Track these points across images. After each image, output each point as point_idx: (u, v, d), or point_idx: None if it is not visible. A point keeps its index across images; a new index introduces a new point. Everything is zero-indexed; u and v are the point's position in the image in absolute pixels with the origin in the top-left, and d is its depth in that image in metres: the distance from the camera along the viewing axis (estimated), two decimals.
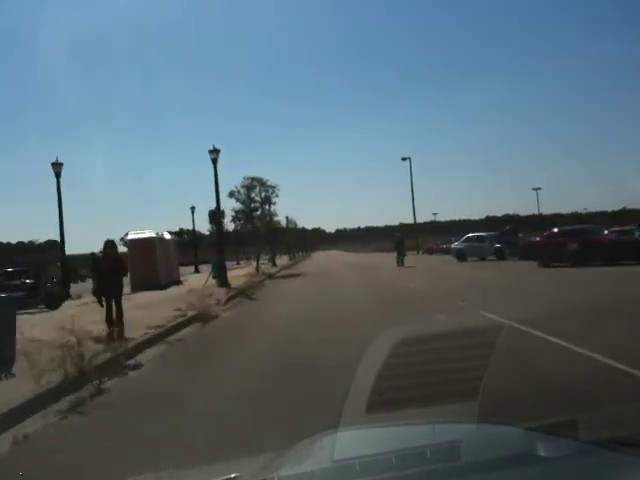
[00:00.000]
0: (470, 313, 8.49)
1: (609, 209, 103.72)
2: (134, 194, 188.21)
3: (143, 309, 11.77)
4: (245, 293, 16.21)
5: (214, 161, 18.96)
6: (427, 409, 2.85)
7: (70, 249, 22.65)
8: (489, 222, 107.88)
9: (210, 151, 18.89)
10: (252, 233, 32.00)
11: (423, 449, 1.48)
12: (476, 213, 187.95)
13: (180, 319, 10.15)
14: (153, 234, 21.20)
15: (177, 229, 69.47)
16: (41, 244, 72.32)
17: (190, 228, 49.35)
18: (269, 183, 32.40)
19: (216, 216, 20.16)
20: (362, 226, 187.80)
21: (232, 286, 17.94)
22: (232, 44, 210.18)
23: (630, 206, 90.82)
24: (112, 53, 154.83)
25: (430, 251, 49.78)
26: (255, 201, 32.13)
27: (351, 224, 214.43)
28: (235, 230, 31.56)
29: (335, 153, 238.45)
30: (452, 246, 31.64)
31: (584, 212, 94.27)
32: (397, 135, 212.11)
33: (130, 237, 20.87)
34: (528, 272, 17.56)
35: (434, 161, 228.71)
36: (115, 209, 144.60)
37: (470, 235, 30.76)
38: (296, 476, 1.41)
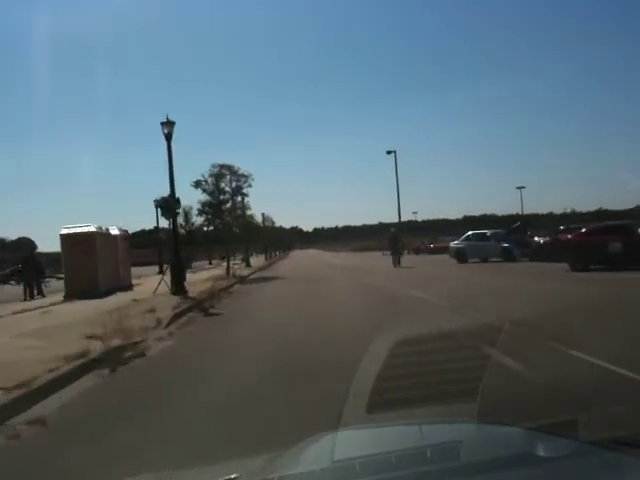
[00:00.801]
0: (559, 356, 5.43)
1: (584, 210, 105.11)
2: (119, 191, 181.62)
3: (38, 338, 8.49)
4: (202, 306, 13.28)
5: (168, 137, 14.68)
6: (427, 409, 2.82)
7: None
8: (467, 222, 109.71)
9: (163, 124, 14.66)
10: (222, 229, 29.09)
11: (423, 449, 1.52)
12: (454, 213, 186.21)
13: (75, 363, 6.52)
14: (93, 228, 16.81)
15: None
16: (13, 241, 70.04)
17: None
18: (241, 172, 28.95)
19: (169, 206, 15.59)
20: (340, 225, 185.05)
21: (189, 294, 15.48)
22: (217, 43, 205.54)
23: (606, 207, 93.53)
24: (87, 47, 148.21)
25: (417, 251, 48.99)
26: (225, 192, 28.51)
27: (329, 223, 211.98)
28: (203, 225, 29.16)
29: (313, 152, 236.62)
30: (451, 245, 28.79)
31: (560, 213, 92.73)
32: (376, 134, 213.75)
33: (64, 232, 16.38)
34: (570, 279, 14.93)
35: (414, 160, 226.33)
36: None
37: (472, 233, 27.63)
38: (296, 476, 1.43)
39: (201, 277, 24.50)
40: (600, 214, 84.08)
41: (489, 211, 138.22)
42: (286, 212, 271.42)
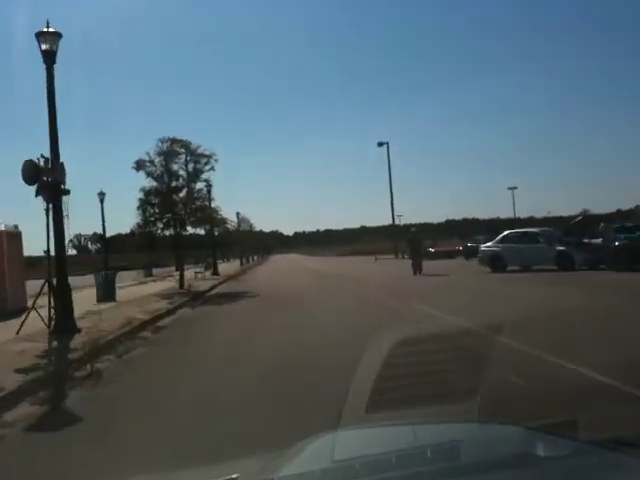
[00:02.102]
0: None
1: (567, 214, 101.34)
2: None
3: None
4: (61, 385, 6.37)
5: (48, 56, 9.49)
6: (427, 409, 2.68)
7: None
8: (449, 226, 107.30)
9: (39, 35, 9.45)
10: (174, 227, 21.12)
11: (423, 449, 1.51)
12: (436, 217, 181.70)
13: None
14: None
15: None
16: None
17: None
18: (200, 151, 21.29)
19: (36, 174, 8.58)
20: (321, 229, 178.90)
21: (76, 338, 8.76)
22: (196, 46, 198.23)
23: (592, 211, 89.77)
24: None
25: None
26: (178, 176, 21.11)
27: (309, 227, 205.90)
28: (146, 221, 20.55)
29: (292, 155, 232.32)
30: (482, 248, 21.93)
31: (543, 216, 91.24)
32: (358, 136, 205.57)
33: None
34: None
35: (397, 163, 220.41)
36: None
37: (511, 232, 21.54)
38: (296, 476, 1.41)
39: (141, 293, 18.75)
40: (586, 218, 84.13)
41: (470, 215, 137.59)
42: (266, 216, 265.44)
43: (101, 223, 29.29)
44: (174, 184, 20.78)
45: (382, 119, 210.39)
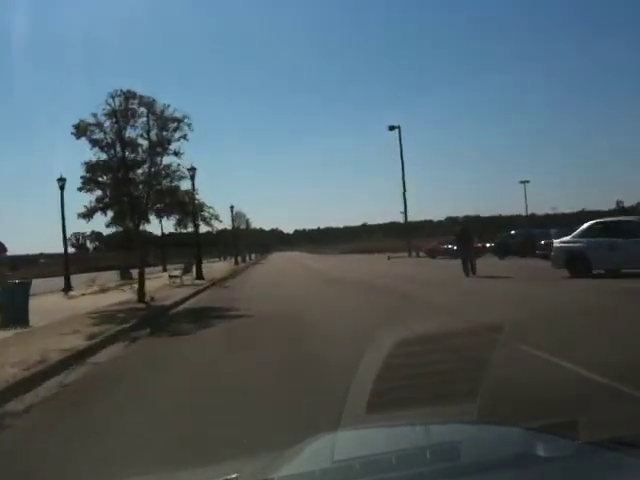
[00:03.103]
0: None
1: (569, 211, 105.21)
2: None
3: None
4: None
5: None
6: (427, 409, 2.55)
7: None
8: (450, 223, 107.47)
9: None
10: (131, 212, 15.17)
11: (423, 449, 1.51)
12: (437, 214, 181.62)
13: None
14: None
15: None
16: None
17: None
18: (167, 113, 15.00)
19: None
20: (322, 227, 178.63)
21: None
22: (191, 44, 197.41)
23: (589, 208, 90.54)
24: None
25: (431, 253, 37.68)
26: (136, 146, 14.97)
27: (310, 225, 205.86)
28: (91, 209, 14.92)
29: (292, 154, 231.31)
30: (557, 245, 16.63)
31: (544, 214, 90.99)
32: (358, 136, 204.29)
33: None
34: None
35: (399, 163, 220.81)
36: None
37: (597, 223, 16.13)
38: (296, 476, 1.41)
39: (80, 308, 14.11)
40: (582, 215, 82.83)
41: (470, 213, 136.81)
42: (266, 214, 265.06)
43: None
44: (132, 157, 14.79)
45: (382, 119, 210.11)
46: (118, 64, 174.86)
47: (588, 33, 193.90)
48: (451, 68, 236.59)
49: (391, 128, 42.10)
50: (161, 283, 21.76)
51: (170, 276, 23.49)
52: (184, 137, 15.01)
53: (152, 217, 15.70)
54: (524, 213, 61.47)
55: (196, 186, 20.21)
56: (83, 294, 19.62)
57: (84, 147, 14.51)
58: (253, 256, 73.94)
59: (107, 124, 14.53)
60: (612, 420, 3.08)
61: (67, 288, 23.55)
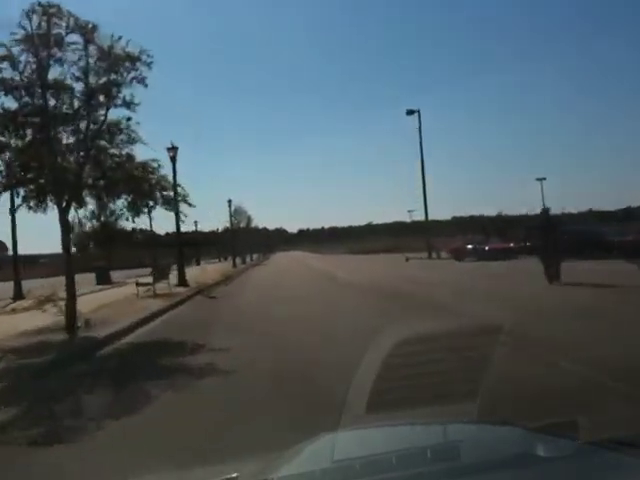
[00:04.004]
0: None
1: (576, 211, 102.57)
2: None
3: None
4: None
5: None
6: (427, 409, 2.48)
7: None
8: (456, 223, 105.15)
9: None
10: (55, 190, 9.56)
11: (423, 449, 1.50)
12: (442, 214, 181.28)
13: None
14: None
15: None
16: None
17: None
18: (119, 48, 9.45)
19: None
20: (326, 226, 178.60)
21: None
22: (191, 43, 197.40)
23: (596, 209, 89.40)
24: None
25: (457, 254, 31.93)
26: (66, 89, 9.41)
27: (314, 224, 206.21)
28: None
29: (297, 154, 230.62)
30: None
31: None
32: (358, 136, 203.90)
33: None
34: None
35: (399, 162, 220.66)
36: None
37: None
38: (296, 476, 1.41)
39: None
40: (593, 215, 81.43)
41: (474, 212, 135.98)
42: (270, 214, 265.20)
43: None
44: (57, 106, 9.43)
45: (382, 119, 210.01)
46: None
47: (588, 33, 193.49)
48: (451, 68, 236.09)
49: (409, 112, 39.01)
50: (128, 292, 17.00)
51: (138, 284, 16.93)
52: (141, 80, 9.63)
53: (89, 198, 10.55)
54: (529, 212, 60.23)
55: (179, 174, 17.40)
56: (17, 311, 14.52)
57: None
58: (255, 256, 67.69)
59: (23, 58, 9.07)
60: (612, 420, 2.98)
61: (17, 296, 19.03)
